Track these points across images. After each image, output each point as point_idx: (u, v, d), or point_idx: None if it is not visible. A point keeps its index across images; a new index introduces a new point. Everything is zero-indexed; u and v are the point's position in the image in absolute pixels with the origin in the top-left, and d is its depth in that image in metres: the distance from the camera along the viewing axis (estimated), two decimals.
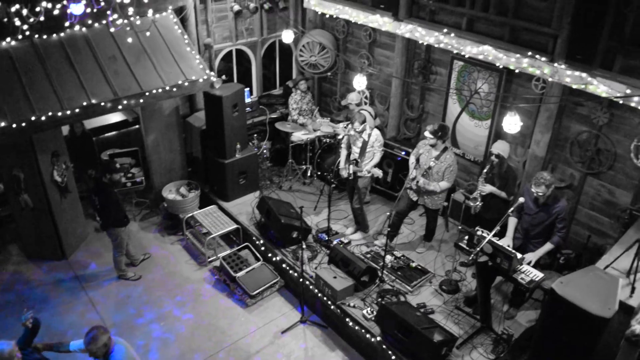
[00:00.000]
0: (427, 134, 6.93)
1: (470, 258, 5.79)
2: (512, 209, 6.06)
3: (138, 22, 7.86)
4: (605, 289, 4.39)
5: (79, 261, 8.02)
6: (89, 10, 7.02)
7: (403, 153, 8.60)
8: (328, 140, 9.19)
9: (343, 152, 7.73)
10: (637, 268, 5.19)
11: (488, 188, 6.90)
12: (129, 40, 7.51)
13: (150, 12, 7.88)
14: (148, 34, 7.79)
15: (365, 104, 9.59)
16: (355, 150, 7.49)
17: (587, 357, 4.41)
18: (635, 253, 5.22)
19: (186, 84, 7.81)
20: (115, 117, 9.95)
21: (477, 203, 6.92)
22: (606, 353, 5.10)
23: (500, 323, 6.47)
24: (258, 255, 7.80)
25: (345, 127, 8.82)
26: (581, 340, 4.33)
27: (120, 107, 7.36)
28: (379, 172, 7.39)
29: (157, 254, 8.20)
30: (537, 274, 5.83)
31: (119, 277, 7.71)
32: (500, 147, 6.92)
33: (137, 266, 7.95)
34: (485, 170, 6.88)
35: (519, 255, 5.85)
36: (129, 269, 7.82)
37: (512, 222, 6.39)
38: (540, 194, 5.95)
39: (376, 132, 7.41)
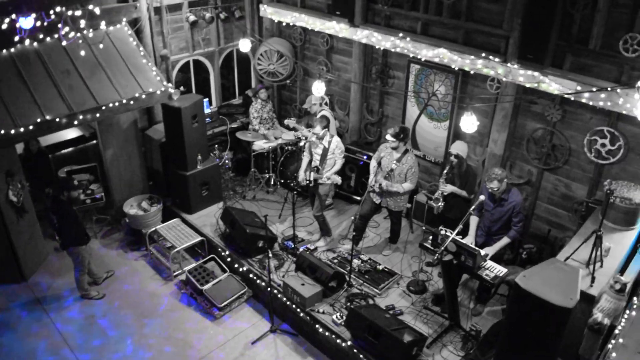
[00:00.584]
0: (388, 137, 6.98)
1: (436, 257, 5.84)
2: (473, 207, 6.16)
3: (91, 35, 7.70)
4: (566, 280, 4.48)
5: (39, 283, 7.76)
6: (39, 23, 6.83)
7: (365, 157, 8.64)
8: (290, 147, 9.17)
9: (305, 159, 7.72)
10: (596, 258, 5.35)
11: (449, 188, 6.99)
12: (82, 53, 7.35)
13: (103, 24, 7.73)
14: (101, 46, 7.64)
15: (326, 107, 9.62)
16: (316, 157, 7.50)
17: (553, 348, 4.49)
18: (593, 244, 5.37)
19: (143, 96, 7.68)
20: (71, 133, 9.70)
21: (440, 203, 7.00)
22: (571, 342, 5.22)
23: (468, 320, 6.55)
24: (224, 266, 7.70)
25: (309, 131, 8.83)
26: (546, 332, 4.41)
27: (76, 122, 7.18)
28: (337, 179, 7.42)
29: (120, 271, 8.00)
30: (501, 270, 5.93)
31: (82, 297, 7.49)
32: (458, 147, 7.03)
33: (101, 284, 7.74)
34: (445, 171, 6.98)
35: (482, 252, 5.94)
36: (92, 288, 7.60)
37: (474, 220, 6.50)
38: (495, 188, 6.08)
39: (336, 139, 7.44)
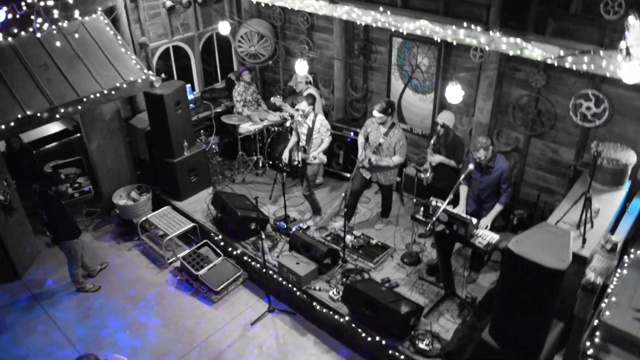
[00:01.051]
0: (375, 113, 6.94)
1: (428, 228, 5.87)
2: (462, 176, 6.18)
3: (66, 26, 7.54)
4: (558, 243, 4.53)
5: (33, 280, 7.71)
6: (11, 16, 6.67)
7: (352, 134, 8.62)
8: (276, 128, 9.12)
9: (292, 139, 7.69)
10: (586, 220, 5.40)
11: (437, 158, 7.01)
12: (58, 44, 7.21)
13: (77, 14, 7.57)
14: (77, 35, 7.49)
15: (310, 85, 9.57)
16: (302, 136, 7.46)
17: (548, 310, 4.56)
18: (583, 206, 5.43)
19: (125, 85, 7.57)
20: (54, 127, 9.57)
21: (428, 174, 7.02)
22: (566, 303, 5.30)
23: (463, 288, 6.62)
24: (218, 251, 7.70)
25: (296, 110, 8.79)
26: (541, 295, 4.47)
27: (58, 116, 7.07)
28: (322, 158, 7.40)
29: (114, 262, 7.97)
30: (493, 237, 5.98)
31: (78, 290, 7.46)
32: (445, 117, 7.03)
33: (95, 277, 7.71)
34: (432, 141, 6.99)
35: (474, 221, 5.98)
36: (87, 280, 7.57)
37: (464, 190, 6.54)
38: (482, 157, 6.10)
39: (320, 117, 7.38)
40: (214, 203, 8.00)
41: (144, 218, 8.13)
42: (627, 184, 6.17)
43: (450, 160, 6.99)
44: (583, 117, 6.61)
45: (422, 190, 7.52)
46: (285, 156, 7.66)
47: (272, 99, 8.90)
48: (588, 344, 5.33)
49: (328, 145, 7.47)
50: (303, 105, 7.30)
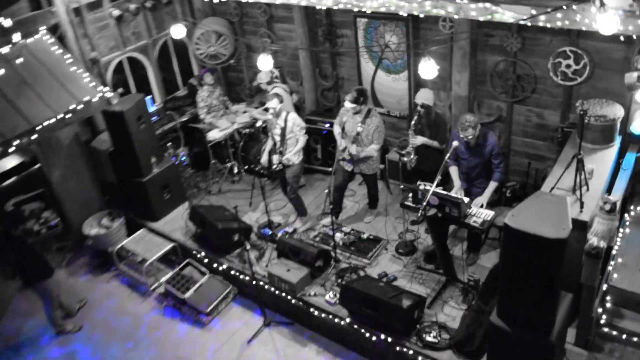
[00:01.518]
0: (347, 104, 6.91)
1: (420, 214, 5.87)
2: (447, 155, 6.18)
3: (7, 51, 7.40)
4: (555, 211, 4.54)
5: (9, 328, 7.54)
6: None
7: (327, 125, 8.60)
8: (247, 130, 9.06)
9: (269, 141, 7.63)
10: (581, 183, 5.43)
11: (419, 140, 7.02)
12: (2, 72, 7.06)
13: (17, 37, 7.42)
14: (21, 60, 7.34)
15: (277, 80, 9.51)
16: (277, 138, 7.41)
17: (554, 281, 4.57)
18: (576, 169, 5.45)
19: (80, 107, 7.45)
20: (10, 162, 9.35)
21: (412, 157, 7.03)
22: (571, 272, 5.32)
23: (464, 271, 6.64)
24: (203, 269, 7.63)
25: (263, 111, 8.73)
26: (545, 267, 4.47)
27: (11, 149, 6.94)
28: (293, 159, 7.37)
29: (94, 297, 7.85)
30: (488, 213, 5.99)
31: (59, 334, 7.32)
32: (423, 96, 7.03)
33: (75, 316, 7.59)
34: (413, 122, 6.99)
35: (466, 200, 5.99)
36: (66, 321, 7.43)
37: (454, 169, 6.55)
38: (470, 137, 6.11)
39: (292, 115, 7.31)
40: (192, 218, 7.93)
41: (120, 245, 8.03)
42: (617, 140, 6.21)
43: (433, 141, 7.01)
44: (564, 76, 6.64)
45: (408, 175, 7.52)
46: (264, 159, 7.61)
47: (234, 108, 8.83)
48: (600, 311, 5.36)
49: (304, 144, 7.40)
50: (274, 103, 7.23)
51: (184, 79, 10.56)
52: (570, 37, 6.45)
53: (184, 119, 9.68)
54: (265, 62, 7.70)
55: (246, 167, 9.17)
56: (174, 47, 10.21)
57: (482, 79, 7.33)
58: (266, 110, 7.64)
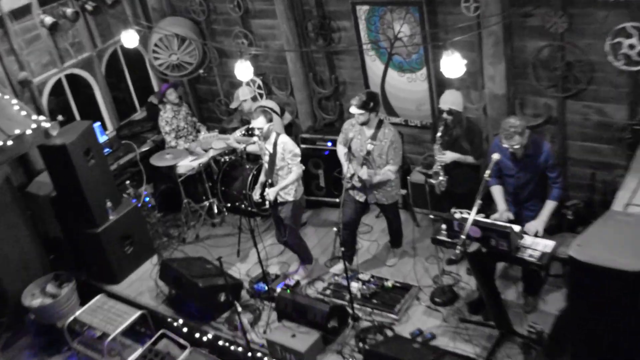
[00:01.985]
0: (354, 109, 6.94)
1: (458, 251, 5.82)
2: (487, 172, 6.15)
3: None
4: (634, 234, 4.51)
5: None
6: None
7: (329, 144, 8.63)
8: (228, 158, 9.08)
9: (264, 171, 7.65)
10: None
11: (448, 156, 7.04)
12: None
13: None
14: None
15: (261, 97, 9.55)
16: (266, 166, 7.42)
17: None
18: None
19: (9, 143, 7.45)
20: None
21: (440, 178, 7.04)
22: None
23: (522, 321, 6.58)
24: (182, 341, 7.57)
25: (244, 134, 8.75)
26: (627, 310, 4.42)
27: None
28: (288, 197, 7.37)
29: None
30: (547, 244, 5.95)
31: None
32: (449, 100, 7.04)
33: None
34: (439, 134, 6.98)
35: (516, 228, 5.95)
36: None
37: (497, 190, 6.52)
38: (517, 146, 6.08)
39: (283, 139, 7.28)
40: (164, 277, 7.93)
41: (72, 318, 7.99)
42: None
43: (466, 157, 7.02)
44: (627, 59, 6.66)
45: (439, 200, 7.50)
46: (257, 195, 7.61)
47: (202, 137, 8.82)
48: None
49: (298, 177, 7.37)
50: (260, 122, 7.21)
51: (142, 97, 10.63)
52: (630, 9, 6.48)
53: (145, 148, 9.71)
54: (244, 71, 7.73)
55: (229, 204, 9.17)
56: (125, 58, 10.29)
57: (522, 71, 7.35)
58: (249, 133, 7.66)
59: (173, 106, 9.29)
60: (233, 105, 9.24)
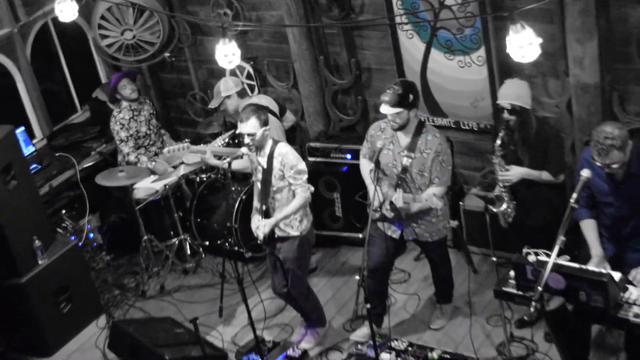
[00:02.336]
0: (386, 109, 6.88)
1: (533, 309, 5.78)
2: (574, 196, 6.09)
3: None
4: None
5: None
6: None
7: (349, 157, 8.64)
8: (205, 177, 9.08)
9: (257, 189, 7.63)
10: None
11: (515, 172, 7.03)
12: None
13: None
14: None
15: (252, 90, 9.56)
16: (258, 186, 7.42)
17: None
18: None
19: None
20: None
21: (505, 205, 7.06)
22: None
23: None
24: None
25: (228, 144, 8.72)
26: None
27: None
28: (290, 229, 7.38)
29: None
30: None
31: None
32: (512, 93, 6.97)
33: None
34: (498, 142, 6.96)
35: (617, 276, 5.90)
36: None
37: (589, 225, 6.41)
38: (615, 165, 6.01)
39: (283, 148, 7.24)
40: (115, 345, 7.93)
41: None
42: None
43: (540, 172, 6.99)
44: None
45: (504, 236, 7.47)
46: (254, 225, 7.56)
47: (166, 151, 8.74)
48: None
49: (306, 201, 7.36)
50: (250, 126, 7.16)
51: (84, 92, 10.64)
52: None
53: (89, 164, 9.73)
54: (227, 54, 7.72)
55: (207, 243, 9.19)
56: (60, 37, 10.33)
57: (623, 49, 7.34)
58: (235, 141, 7.64)
59: (130, 103, 9.32)
60: (213, 104, 9.20)
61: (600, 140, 5.95)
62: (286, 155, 7.24)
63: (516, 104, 6.93)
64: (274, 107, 8.75)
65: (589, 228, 6.44)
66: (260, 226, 7.33)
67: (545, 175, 7.02)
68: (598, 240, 6.41)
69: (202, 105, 10.27)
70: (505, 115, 6.95)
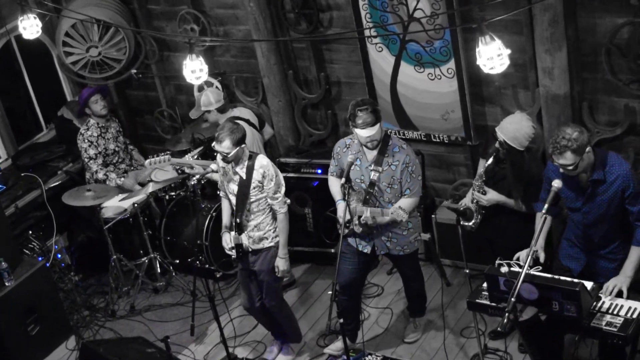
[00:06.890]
0: (367, 132, 6.83)
1: (506, 320, 5.82)
2: (545, 206, 6.10)
3: None
4: None
5: None
6: None
7: (319, 172, 8.68)
8: (173, 194, 9.10)
9: (225, 205, 7.62)
10: None
11: (490, 197, 7.10)
12: None
13: None
14: None
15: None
16: (233, 199, 7.41)
17: None
18: None
19: None
20: None
21: (474, 221, 7.16)
22: None
23: None
24: None
25: (197, 157, 8.71)
26: None
27: None
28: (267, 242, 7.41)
29: None
30: (633, 306, 5.97)
31: None
32: (511, 132, 6.86)
33: None
34: (485, 167, 7.03)
35: (588, 285, 5.97)
36: None
37: (544, 218, 6.33)
38: (570, 166, 6.01)
39: (263, 161, 7.23)
40: None
41: None
42: None
43: (516, 202, 7.04)
44: None
45: (477, 248, 7.52)
46: (226, 242, 7.53)
47: (147, 163, 8.67)
48: None
49: (287, 219, 7.41)
50: (225, 146, 7.12)
51: (49, 110, 10.59)
52: None
53: (55, 183, 9.70)
54: (196, 70, 7.74)
55: (177, 261, 9.20)
56: (23, 54, 10.27)
57: (591, 59, 7.40)
58: (207, 155, 7.65)
59: (98, 120, 9.31)
60: (193, 115, 9.16)
61: (558, 139, 5.97)
62: (267, 168, 7.26)
63: (510, 144, 6.94)
64: (254, 120, 8.76)
65: (541, 220, 6.31)
66: (235, 238, 7.34)
67: (518, 206, 7.08)
68: (543, 235, 6.45)
69: (170, 122, 10.26)
70: (497, 145, 7.00)
